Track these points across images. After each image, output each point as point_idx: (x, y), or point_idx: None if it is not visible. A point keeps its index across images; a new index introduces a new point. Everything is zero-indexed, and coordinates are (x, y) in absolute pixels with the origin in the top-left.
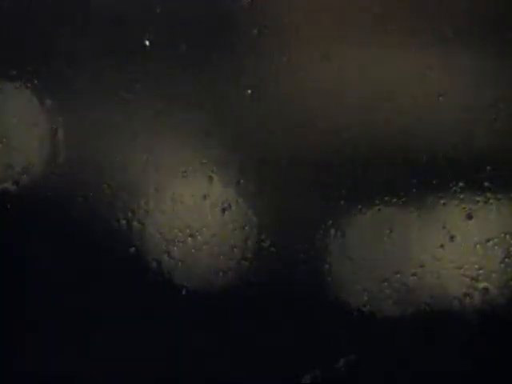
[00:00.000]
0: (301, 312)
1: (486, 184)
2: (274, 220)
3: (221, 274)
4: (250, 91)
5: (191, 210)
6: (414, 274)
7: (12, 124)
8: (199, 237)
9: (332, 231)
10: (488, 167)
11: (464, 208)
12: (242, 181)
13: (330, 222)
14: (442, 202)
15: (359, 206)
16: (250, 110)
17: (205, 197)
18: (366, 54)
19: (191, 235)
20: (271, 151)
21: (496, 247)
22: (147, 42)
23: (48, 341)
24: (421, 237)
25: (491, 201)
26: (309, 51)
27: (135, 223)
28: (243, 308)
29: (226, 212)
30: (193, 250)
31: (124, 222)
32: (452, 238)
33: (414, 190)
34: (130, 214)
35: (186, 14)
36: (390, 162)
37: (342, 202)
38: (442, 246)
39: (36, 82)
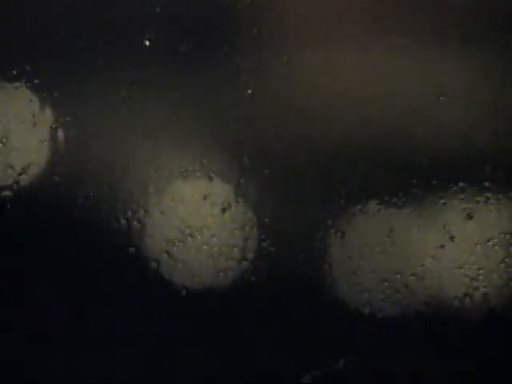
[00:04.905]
0: (301, 312)
1: (486, 184)
2: (274, 220)
3: (221, 274)
4: (250, 91)
5: (191, 210)
6: (413, 274)
7: (12, 124)
8: (199, 237)
9: (332, 231)
10: (488, 167)
11: (464, 208)
12: (241, 181)
13: (330, 222)
14: (442, 202)
15: (359, 206)
16: (250, 110)
17: (205, 197)
18: (367, 54)
19: (191, 235)
20: (271, 151)
21: (496, 247)
22: (147, 42)
23: (47, 340)
24: (421, 237)
25: (491, 201)
26: (309, 51)
27: (135, 223)
28: (243, 308)
29: (226, 212)
30: (193, 250)
31: (124, 221)
32: (452, 238)
33: (414, 190)
34: (130, 214)
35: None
36: (391, 162)
37: (341, 202)
38: (442, 246)
39: (36, 81)
